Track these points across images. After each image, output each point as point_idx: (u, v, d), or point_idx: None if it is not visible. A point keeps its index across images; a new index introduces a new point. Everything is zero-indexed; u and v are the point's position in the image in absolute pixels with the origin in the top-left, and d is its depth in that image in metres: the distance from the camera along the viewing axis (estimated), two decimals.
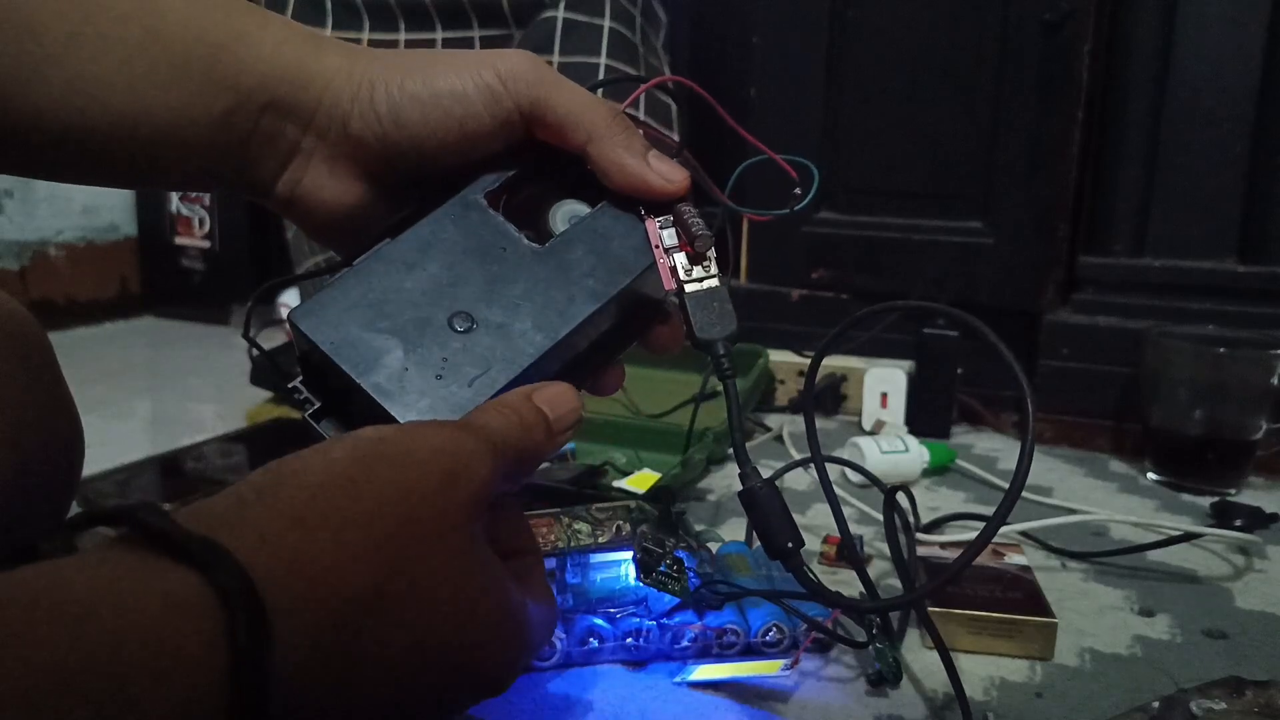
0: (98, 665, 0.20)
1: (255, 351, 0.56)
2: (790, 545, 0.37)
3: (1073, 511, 0.70)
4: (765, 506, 0.37)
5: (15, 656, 0.19)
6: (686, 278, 0.38)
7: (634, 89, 0.46)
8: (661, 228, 0.38)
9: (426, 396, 0.34)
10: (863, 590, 0.53)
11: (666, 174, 0.38)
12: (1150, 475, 0.84)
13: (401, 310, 0.36)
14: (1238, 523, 0.69)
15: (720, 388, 0.41)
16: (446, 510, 0.28)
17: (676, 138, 0.44)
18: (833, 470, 0.77)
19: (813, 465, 0.78)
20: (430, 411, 0.34)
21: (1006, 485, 0.78)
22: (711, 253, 0.38)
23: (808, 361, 1.01)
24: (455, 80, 0.36)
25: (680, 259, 0.38)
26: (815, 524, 0.70)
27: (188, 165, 0.37)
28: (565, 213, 0.39)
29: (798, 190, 0.42)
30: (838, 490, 0.56)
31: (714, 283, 0.38)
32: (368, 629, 0.26)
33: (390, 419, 0.33)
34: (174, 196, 1.48)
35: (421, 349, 0.35)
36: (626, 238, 0.38)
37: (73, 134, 0.34)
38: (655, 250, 0.38)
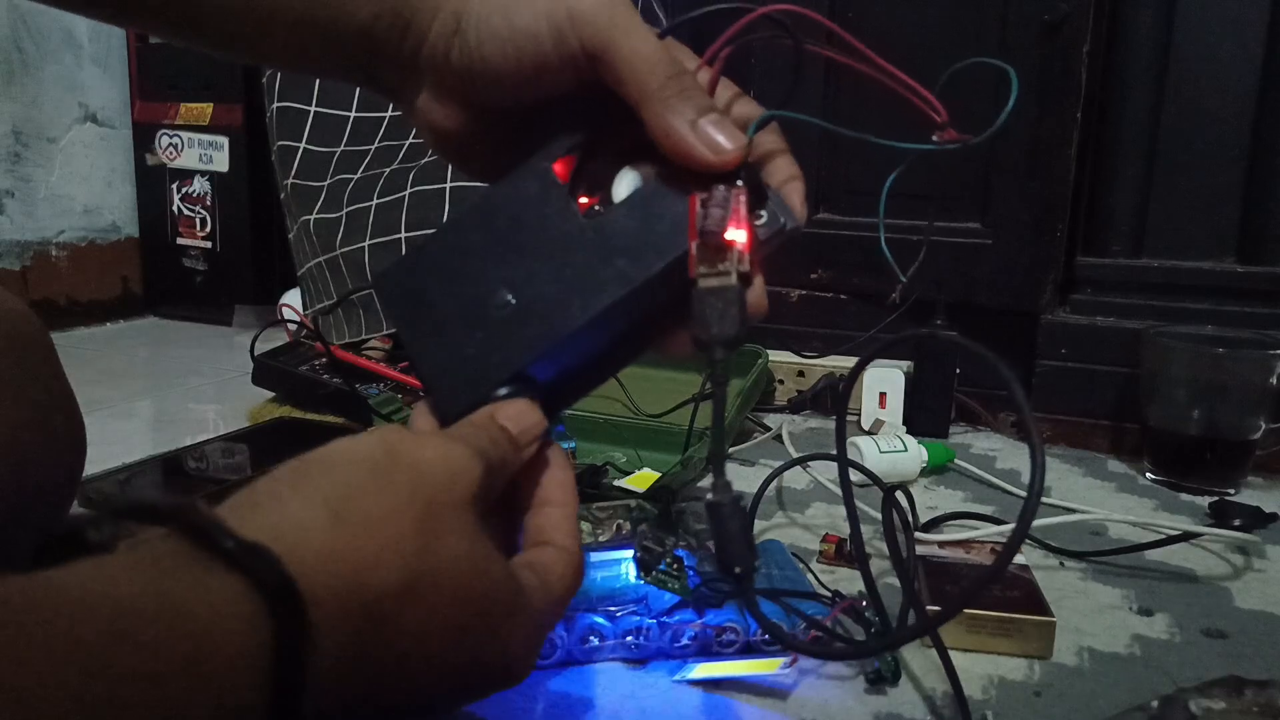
0: (146, 670, 0.20)
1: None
2: (738, 570, 0.35)
3: (1071, 511, 0.70)
4: (725, 524, 0.34)
5: (64, 658, 0.19)
6: (708, 270, 0.34)
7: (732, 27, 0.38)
8: (703, 204, 0.34)
9: (455, 372, 0.37)
10: (862, 590, 0.53)
11: (713, 143, 0.34)
12: (1149, 475, 0.84)
13: (454, 284, 0.37)
14: (1236, 522, 0.69)
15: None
16: (453, 505, 0.30)
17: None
18: (830, 469, 0.77)
19: (811, 466, 0.78)
20: (455, 387, 0.36)
21: (1005, 484, 0.79)
22: (737, 247, 0.34)
23: (807, 362, 1.02)
24: (530, 19, 0.35)
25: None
26: (814, 523, 0.70)
27: (328, 58, 0.40)
28: (627, 181, 0.37)
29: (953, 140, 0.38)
30: (836, 489, 0.56)
31: (729, 280, 0.34)
32: (400, 619, 0.27)
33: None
34: (175, 198, 1.49)
35: (461, 324, 0.37)
36: (671, 217, 0.35)
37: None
38: (692, 231, 0.34)
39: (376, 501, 0.28)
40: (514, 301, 0.36)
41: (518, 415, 0.35)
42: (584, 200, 0.38)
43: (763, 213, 0.36)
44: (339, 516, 0.26)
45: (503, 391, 0.36)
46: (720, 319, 0.34)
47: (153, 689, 0.20)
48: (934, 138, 0.39)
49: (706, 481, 0.79)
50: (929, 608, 0.52)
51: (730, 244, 0.34)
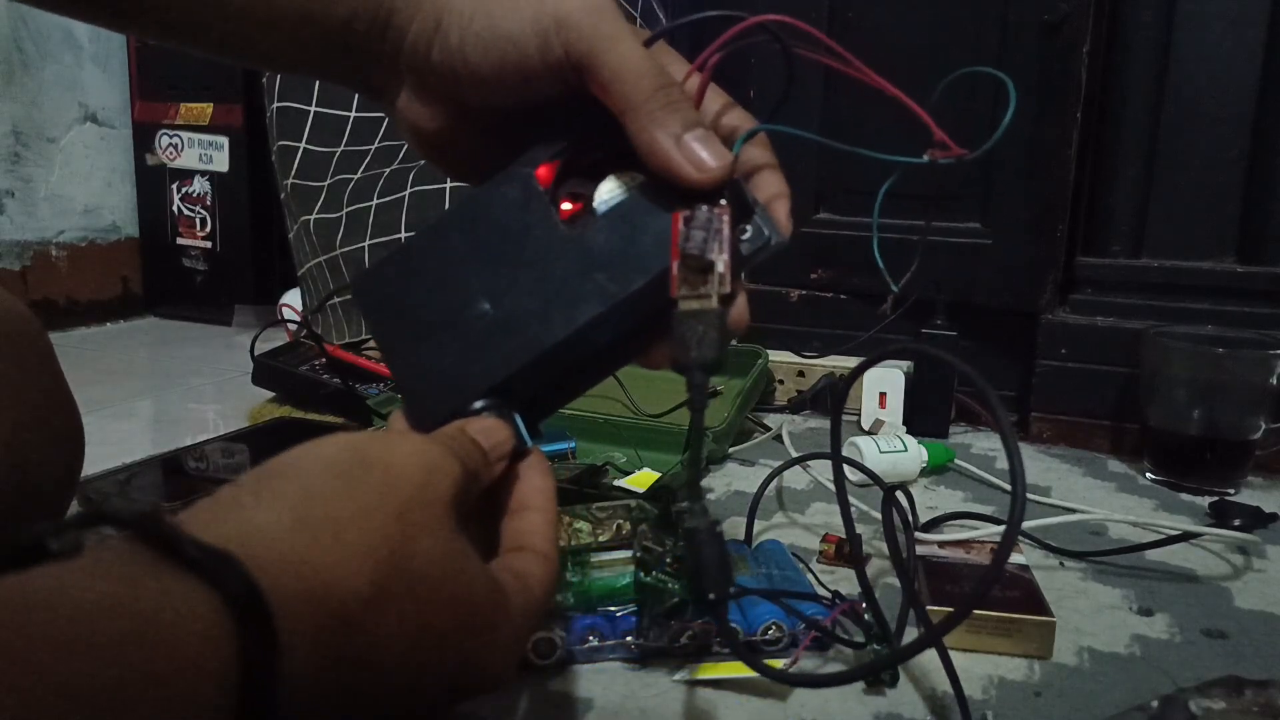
0: (107, 679, 0.19)
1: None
2: (712, 597, 0.34)
3: (1071, 511, 0.70)
4: (701, 549, 0.34)
5: (22, 667, 0.18)
6: (689, 291, 0.33)
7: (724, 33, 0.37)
8: (686, 224, 0.34)
9: (432, 382, 0.36)
10: (860, 590, 0.53)
11: (697, 160, 0.33)
12: (1149, 475, 0.84)
13: (433, 291, 0.37)
14: (1236, 522, 0.69)
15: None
16: (430, 505, 0.29)
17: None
18: (830, 469, 0.77)
19: (811, 466, 0.78)
20: (431, 397, 0.36)
21: (1005, 484, 0.79)
22: (718, 270, 0.33)
23: (807, 362, 1.02)
24: (515, 23, 0.35)
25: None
26: (814, 522, 0.70)
27: (313, 58, 0.40)
28: (611, 192, 0.36)
29: (952, 152, 0.38)
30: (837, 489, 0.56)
31: (710, 303, 0.33)
32: (370, 625, 0.26)
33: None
34: (175, 198, 1.48)
35: (439, 333, 0.36)
36: (653, 233, 0.34)
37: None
38: (674, 250, 0.34)
39: (343, 505, 0.27)
40: (492, 311, 0.36)
41: (486, 431, 0.35)
42: (567, 206, 0.37)
43: (747, 228, 0.36)
44: (303, 521, 0.26)
45: (479, 404, 0.36)
46: (700, 342, 0.33)
47: (114, 697, 0.19)
48: (925, 156, 0.39)
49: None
50: (928, 608, 0.52)
51: (711, 267, 0.33)
